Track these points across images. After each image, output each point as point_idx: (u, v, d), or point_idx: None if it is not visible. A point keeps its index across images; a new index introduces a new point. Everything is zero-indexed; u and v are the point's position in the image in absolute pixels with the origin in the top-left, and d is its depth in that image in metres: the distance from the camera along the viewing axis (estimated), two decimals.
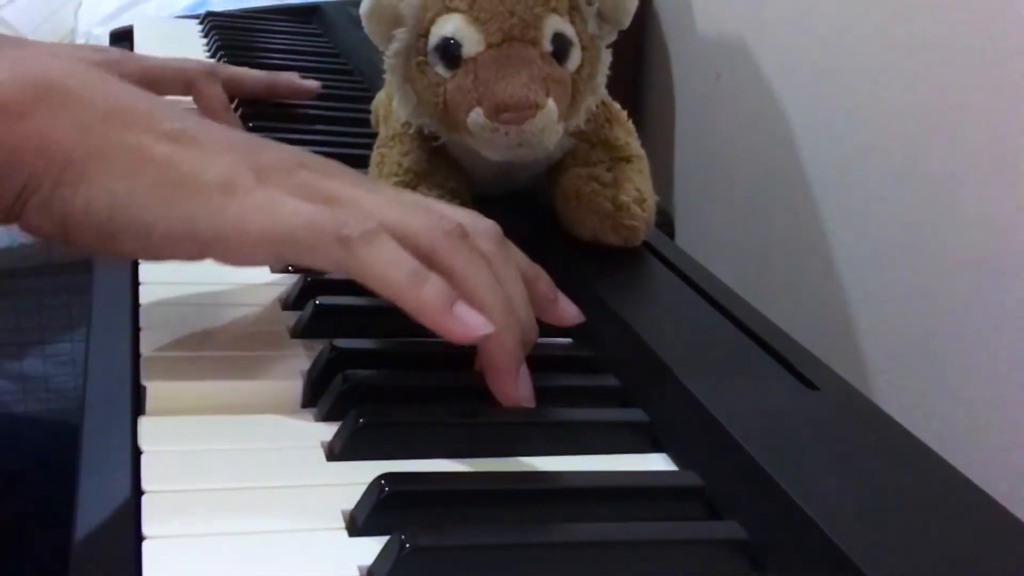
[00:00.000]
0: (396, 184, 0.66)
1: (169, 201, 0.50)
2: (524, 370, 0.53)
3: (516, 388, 0.52)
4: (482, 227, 0.54)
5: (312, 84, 0.99)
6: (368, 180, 0.56)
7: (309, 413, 0.52)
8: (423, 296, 0.49)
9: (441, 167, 0.67)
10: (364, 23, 0.65)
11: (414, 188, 0.66)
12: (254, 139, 0.55)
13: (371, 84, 1.04)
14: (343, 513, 0.45)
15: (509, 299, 0.52)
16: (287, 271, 0.64)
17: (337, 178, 0.54)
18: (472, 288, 0.51)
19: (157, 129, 0.51)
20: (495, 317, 0.51)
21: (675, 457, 0.51)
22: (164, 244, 0.50)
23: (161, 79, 0.91)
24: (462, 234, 0.52)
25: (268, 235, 0.50)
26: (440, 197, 0.65)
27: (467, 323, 0.49)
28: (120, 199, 0.50)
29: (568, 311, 0.57)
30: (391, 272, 0.49)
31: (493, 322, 0.50)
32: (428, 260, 0.51)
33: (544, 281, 0.57)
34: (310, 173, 0.53)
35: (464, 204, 0.66)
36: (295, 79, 0.98)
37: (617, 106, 0.70)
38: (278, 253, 0.51)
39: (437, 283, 0.49)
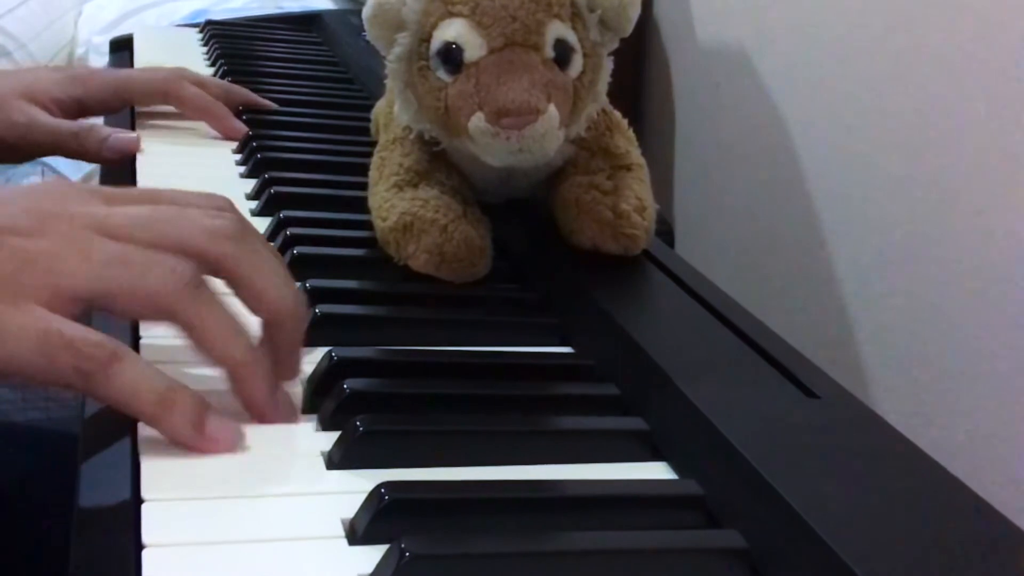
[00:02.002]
0: (397, 183, 0.66)
1: None
2: (277, 397, 0.52)
3: (269, 418, 0.52)
4: (214, 229, 0.52)
5: (267, 103, 1.01)
6: (89, 226, 0.50)
7: (309, 421, 0.52)
8: (173, 424, 0.48)
9: (442, 167, 0.67)
10: (366, 27, 0.65)
11: (415, 187, 0.66)
12: None
13: (371, 93, 1.04)
14: (343, 521, 0.44)
15: (263, 308, 0.52)
16: None
17: (48, 249, 0.49)
18: (211, 340, 0.50)
19: None
20: (237, 362, 0.50)
21: (675, 466, 0.51)
22: None
23: (132, 92, 0.94)
24: (196, 282, 0.50)
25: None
26: (441, 195, 0.65)
27: (220, 439, 0.48)
28: None
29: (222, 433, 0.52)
30: (136, 403, 0.47)
31: (238, 366, 0.50)
32: (168, 316, 0.49)
33: (292, 323, 0.54)
34: (9, 254, 0.48)
35: (465, 203, 0.66)
36: (250, 94, 1.01)
37: (618, 114, 0.70)
38: (9, 379, 0.47)
39: (184, 403, 0.48)
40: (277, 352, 0.52)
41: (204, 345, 0.50)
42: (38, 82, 0.91)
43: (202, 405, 0.48)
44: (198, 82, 0.96)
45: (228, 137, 0.93)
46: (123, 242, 0.50)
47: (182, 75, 0.95)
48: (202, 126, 0.95)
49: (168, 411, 0.48)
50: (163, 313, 0.50)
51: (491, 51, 0.61)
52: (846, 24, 1.02)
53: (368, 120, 0.86)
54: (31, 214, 0.50)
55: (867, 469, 0.48)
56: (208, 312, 0.50)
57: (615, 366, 0.58)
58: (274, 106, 1.00)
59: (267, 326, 0.52)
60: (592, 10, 0.63)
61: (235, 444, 0.49)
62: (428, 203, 0.65)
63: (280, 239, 0.69)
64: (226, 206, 0.55)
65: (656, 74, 1.41)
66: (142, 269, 0.49)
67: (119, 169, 0.85)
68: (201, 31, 1.33)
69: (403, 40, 0.64)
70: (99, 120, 0.95)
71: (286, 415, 0.52)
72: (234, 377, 0.51)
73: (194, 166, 0.87)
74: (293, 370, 0.54)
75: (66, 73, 0.93)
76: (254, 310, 0.52)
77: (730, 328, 0.59)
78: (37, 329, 0.47)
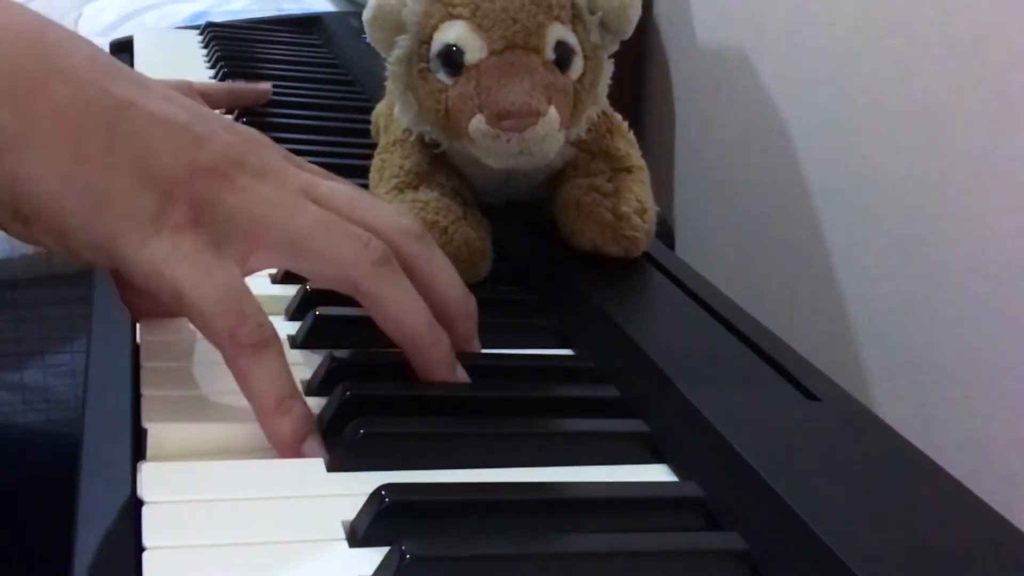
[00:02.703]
0: (397, 185, 0.66)
1: (95, 216, 0.49)
2: (459, 368, 0.55)
3: (456, 379, 0.55)
4: (405, 227, 0.55)
5: (264, 86, 1.00)
6: (305, 174, 0.56)
7: None
8: (281, 429, 0.49)
9: (442, 169, 0.67)
10: (367, 29, 0.65)
11: (416, 189, 0.66)
12: (195, 115, 0.53)
13: (371, 95, 1.04)
14: (343, 524, 0.44)
15: (434, 302, 0.55)
16: (286, 282, 0.64)
17: (267, 184, 0.52)
18: (395, 316, 0.53)
19: (98, 104, 0.49)
20: (423, 336, 0.53)
21: (676, 468, 0.51)
22: (80, 251, 0.50)
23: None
24: (386, 260, 0.53)
25: (178, 292, 0.49)
26: (442, 197, 0.65)
27: (306, 456, 0.50)
28: (46, 198, 0.49)
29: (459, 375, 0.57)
30: (261, 393, 0.50)
31: (421, 340, 0.53)
32: (354, 290, 0.53)
33: (474, 319, 0.58)
34: (242, 189, 0.51)
35: (466, 205, 0.66)
36: (250, 84, 1.00)
37: (618, 116, 0.70)
38: (175, 307, 0.50)
39: (299, 417, 0.50)
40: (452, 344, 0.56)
41: (387, 319, 0.53)
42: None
43: (311, 424, 0.50)
44: (203, 91, 0.91)
45: (252, 96, 0.95)
46: (328, 210, 0.53)
47: (187, 84, 0.90)
48: None
49: (282, 415, 0.49)
50: (348, 283, 0.53)
51: (492, 53, 0.61)
52: (846, 26, 1.02)
53: (368, 122, 0.86)
54: (257, 156, 0.53)
55: (867, 471, 0.48)
56: (394, 288, 0.53)
57: (615, 368, 0.58)
58: (268, 87, 1.00)
59: (444, 322, 0.55)
60: (593, 12, 0.63)
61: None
62: (428, 205, 0.65)
63: None
64: (409, 213, 0.59)
65: (656, 76, 1.41)
66: (340, 238, 0.52)
67: None
68: (201, 33, 1.33)
69: (403, 42, 0.64)
70: None
71: (463, 375, 0.55)
72: (414, 349, 0.54)
73: None
74: (444, 375, 0.56)
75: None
76: (434, 306, 0.55)
77: (730, 330, 0.59)
78: (228, 282, 0.50)
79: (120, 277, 0.55)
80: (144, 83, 0.53)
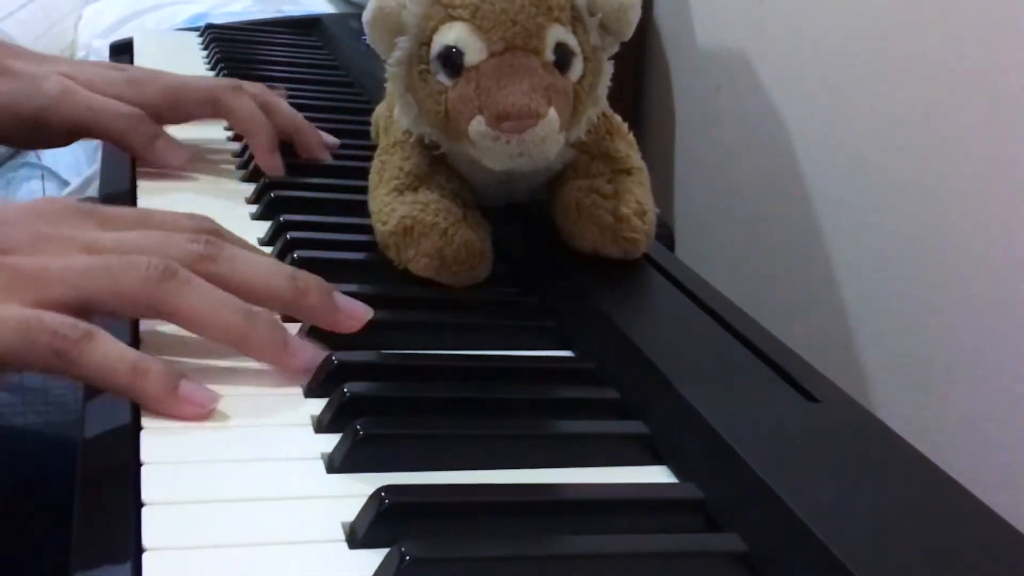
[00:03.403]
0: (397, 186, 0.66)
1: None
2: (295, 340, 0.55)
3: (298, 361, 0.55)
4: (190, 237, 0.56)
5: (332, 140, 0.91)
6: (80, 224, 0.56)
7: (309, 425, 0.52)
8: (146, 390, 0.50)
9: (442, 171, 0.67)
10: (366, 31, 0.65)
11: (415, 190, 0.66)
12: None
13: (371, 97, 1.04)
14: (343, 525, 0.44)
15: (254, 299, 0.55)
16: None
17: (40, 247, 0.54)
18: (201, 320, 0.53)
19: None
20: (239, 327, 0.53)
21: (675, 469, 0.51)
22: None
23: (187, 101, 0.85)
24: (170, 273, 0.53)
25: None
26: (441, 198, 0.65)
27: (195, 401, 0.51)
28: None
29: (354, 312, 0.57)
30: (110, 375, 0.50)
31: (236, 330, 0.53)
32: (156, 314, 0.53)
33: (315, 294, 0.57)
34: (15, 259, 0.52)
35: (465, 206, 0.66)
36: (322, 138, 0.89)
37: (618, 118, 0.70)
38: None
39: (157, 371, 0.50)
40: (316, 322, 0.57)
41: (196, 325, 0.54)
42: (83, 72, 0.84)
43: (174, 372, 0.51)
44: (264, 104, 0.85)
45: (263, 168, 0.83)
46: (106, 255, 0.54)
47: (239, 84, 0.86)
48: (207, 136, 0.93)
49: (142, 378, 0.50)
50: (148, 308, 0.53)
51: (491, 55, 0.61)
52: (846, 28, 1.02)
53: (368, 124, 0.86)
54: (29, 236, 0.54)
55: (867, 473, 0.48)
56: (189, 295, 0.53)
57: (615, 370, 0.58)
58: (336, 142, 0.90)
59: (285, 311, 0.56)
60: (592, 14, 0.63)
61: (210, 405, 0.51)
62: (428, 207, 0.65)
63: (280, 243, 0.69)
64: (211, 227, 0.58)
65: (656, 78, 1.41)
66: (119, 271, 0.53)
67: (118, 174, 0.84)
68: (201, 35, 1.33)
69: (403, 44, 0.64)
70: None
71: (312, 355, 0.55)
72: (236, 341, 0.54)
73: (194, 170, 0.87)
74: (343, 324, 0.57)
75: (124, 73, 0.85)
76: (254, 298, 0.55)
77: (730, 332, 0.59)
78: (18, 317, 0.50)
79: None
80: None
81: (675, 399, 0.52)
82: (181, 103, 0.84)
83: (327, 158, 0.87)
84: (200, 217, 0.59)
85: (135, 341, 0.57)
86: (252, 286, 0.55)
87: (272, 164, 0.83)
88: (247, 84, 0.87)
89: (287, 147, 0.86)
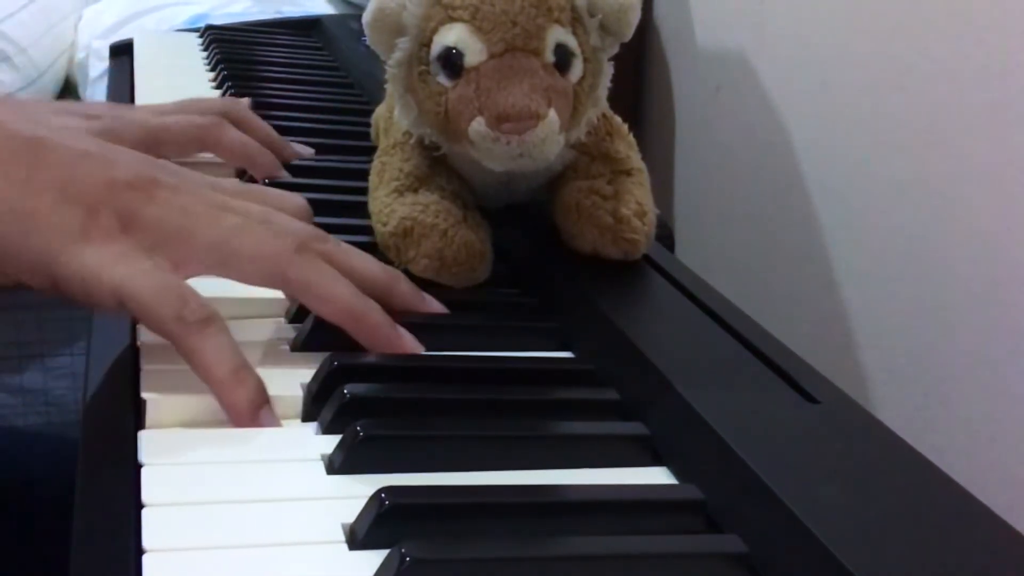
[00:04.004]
0: (397, 188, 0.66)
1: (25, 235, 0.52)
2: (399, 328, 0.58)
3: (405, 343, 0.57)
4: (309, 229, 0.59)
5: (307, 151, 0.89)
6: (212, 189, 0.59)
7: (309, 426, 0.52)
8: (236, 398, 0.52)
9: (442, 172, 0.67)
10: (366, 32, 0.65)
11: (415, 191, 0.66)
12: (105, 146, 0.57)
13: (371, 98, 1.04)
14: (343, 527, 0.44)
15: (358, 283, 0.57)
16: None
17: (181, 199, 0.55)
18: (326, 294, 0.56)
19: (17, 138, 0.53)
20: (355, 306, 0.56)
21: (676, 470, 0.51)
22: (20, 275, 0.53)
23: (165, 141, 0.81)
24: (301, 248, 0.56)
25: (118, 291, 0.52)
26: (441, 199, 0.65)
27: (266, 425, 0.52)
28: None
29: (432, 304, 0.62)
30: (213, 368, 0.52)
31: (355, 309, 0.56)
32: (282, 279, 0.56)
33: (404, 282, 0.61)
34: (158, 204, 0.54)
35: (466, 207, 0.66)
36: (295, 148, 0.88)
37: (618, 119, 0.70)
38: (120, 305, 0.52)
39: (252, 387, 0.52)
40: (404, 307, 0.60)
41: (319, 299, 0.56)
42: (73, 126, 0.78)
43: (264, 394, 0.53)
44: (236, 122, 0.84)
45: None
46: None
47: (226, 111, 0.84)
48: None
49: (238, 384, 0.52)
50: (276, 275, 0.56)
51: (491, 56, 0.61)
52: (846, 28, 1.02)
53: (368, 125, 0.86)
54: (169, 174, 0.57)
55: (867, 474, 0.48)
56: (319, 269, 0.56)
57: (615, 371, 0.58)
58: (310, 151, 0.89)
59: (379, 295, 0.58)
60: (592, 15, 0.63)
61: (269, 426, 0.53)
62: (428, 208, 0.65)
63: None
64: (309, 208, 0.63)
65: (656, 78, 1.41)
66: (259, 235, 0.56)
67: None
68: (201, 36, 1.33)
69: (403, 45, 0.64)
70: None
71: (412, 344, 0.58)
72: (352, 319, 0.56)
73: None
74: (423, 311, 0.61)
75: (99, 122, 0.79)
76: (361, 287, 0.58)
77: (730, 333, 0.59)
78: (162, 275, 0.53)
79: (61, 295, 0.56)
80: (49, 123, 0.56)
81: (675, 400, 0.52)
82: (163, 146, 0.80)
83: (283, 176, 0.84)
84: (298, 196, 0.64)
85: (135, 348, 0.57)
86: (358, 270, 0.58)
87: (281, 174, 0.83)
88: (216, 103, 0.87)
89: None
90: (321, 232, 0.59)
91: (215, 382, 0.52)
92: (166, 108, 0.85)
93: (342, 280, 0.57)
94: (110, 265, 0.52)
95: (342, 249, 0.59)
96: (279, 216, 0.58)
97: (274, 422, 0.52)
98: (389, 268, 0.61)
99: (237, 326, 0.60)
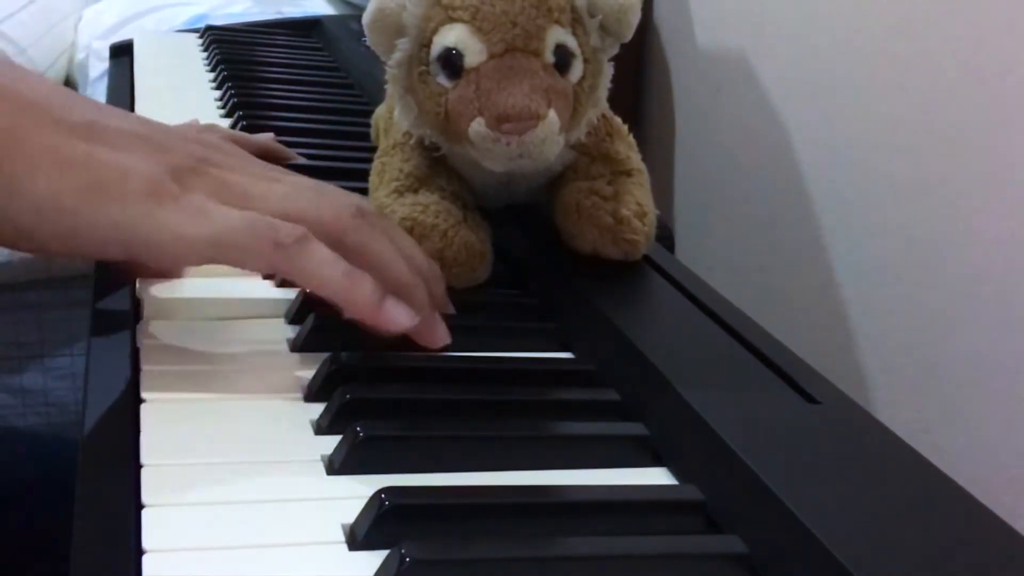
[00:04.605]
0: (397, 188, 0.66)
1: (96, 208, 0.52)
2: (438, 315, 0.59)
3: (436, 331, 0.58)
4: (356, 204, 0.59)
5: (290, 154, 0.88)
6: (264, 166, 0.60)
7: (309, 427, 0.52)
8: (358, 294, 0.54)
9: (442, 172, 0.67)
10: (366, 32, 0.65)
11: (416, 192, 0.66)
12: (155, 128, 0.57)
13: (371, 98, 1.04)
14: (343, 527, 0.44)
15: (409, 258, 0.59)
16: (285, 285, 0.64)
17: (238, 171, 0.56)
18: (381, 261, 0.57)
19: (66, 122, 0.53)
20: (407, 279, 0.57)
21: (675, 471, 0.51)
22: (90, 246, 0.52)
23: None
24: (361, 214, 0.57)
25: (207, 239, 0.52)
26: (441, 200, 0.65)
27: (395, 319, 0.55)
28: (44, 205, 0.51)
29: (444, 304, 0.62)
30: (326, 272, 0.54)
31: (406, 282, 0.57)
32: (339, 242, 0.55)
33: (443, 285, 0.62)
34: (217, 171, 0.55)
35: (466, 208, 0.66)
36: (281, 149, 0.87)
37: (618, 120, 0.70)
38: (212, 256, 0.53)
39: (368, 282, 0.55)
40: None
41: (378, 268, 0.56)
42: None
43: (380, 288, 0.55)
44: (231, 138, 0.82)
45: None
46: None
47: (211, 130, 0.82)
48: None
49: (356, 284, 0.54)
50: (335, 233, 0.56)
51: (491, 56, 0.61)
52: (846, 29, 1.02)
53: (368, 125, 0.86)
54: (221, 153, 0.58)
55: (867, 474, 0.48)
56: (375, 238, 0.57)
57: (615, 371, 0.58)
58: (296, 157, 0.88)
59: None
60: (592, 15, 0.63)
61: (408, 324, 0.56)
62: (428, 208, 0.65)
63: None
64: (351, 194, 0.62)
65: (656, 79, 1.41)
66: (318, 197, 0.57)
67: None
68: (201, 36, 1.33)
69: (403, 46, 0.64)
70: None
71: (443, 335, 0.58)
72: (404, 295, 0.57)
73: None
74: (439, 299, 0.61)
75: None
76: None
77: (730, 333, 0.59)
78: (243, 215, 0.53)
79: (128, 268, 0.58)
80: (100, 107, 0.56)
81: (675, 400, 0.52)
82: None
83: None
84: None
85: (135, 348, 0.57)
86: (407, 251, 0.59)
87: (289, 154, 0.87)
88: (218, 130, 0.83)
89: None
90: (371, 211, 0.60)
91: (333, 291, 0.54)
92: None
93: (395, 251, 0.58)
94: (190, 221, 0.52)
95: (397, 228, 0.61)
96: (332, 187, 0.59)
97: (400, 311, 0.55)
98: (435, 265, 0.62)
99: (237, 326, 0.61)
